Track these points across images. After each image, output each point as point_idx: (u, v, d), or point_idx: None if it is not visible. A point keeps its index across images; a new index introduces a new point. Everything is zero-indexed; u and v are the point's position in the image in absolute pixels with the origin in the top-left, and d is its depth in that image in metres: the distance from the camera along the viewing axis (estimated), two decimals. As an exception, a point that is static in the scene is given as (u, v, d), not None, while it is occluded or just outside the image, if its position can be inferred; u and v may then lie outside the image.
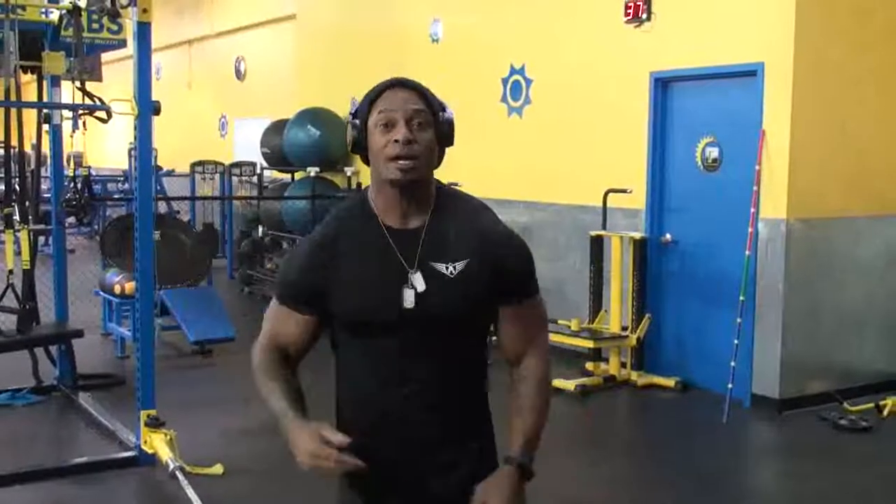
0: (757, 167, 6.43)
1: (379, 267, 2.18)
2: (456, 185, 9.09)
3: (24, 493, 4.88)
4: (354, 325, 2.22)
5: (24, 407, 6.43)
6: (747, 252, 6.40)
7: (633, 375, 7.20)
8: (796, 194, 6.41)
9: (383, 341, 2.20)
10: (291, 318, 2.25)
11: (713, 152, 6.94)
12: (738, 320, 6.36)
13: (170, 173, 14.47)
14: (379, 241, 2.19)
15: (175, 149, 14.92)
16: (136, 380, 5.27)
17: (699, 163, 7.04)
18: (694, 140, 7.07)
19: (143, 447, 5.16)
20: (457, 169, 9.15)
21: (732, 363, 6.33)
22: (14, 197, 6.39)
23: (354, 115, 2.22)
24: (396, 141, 2.13)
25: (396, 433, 2.20)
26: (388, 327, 2.18)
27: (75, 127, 5.65)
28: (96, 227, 15.23)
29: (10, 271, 6.29)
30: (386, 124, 2.15)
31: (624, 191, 7.30)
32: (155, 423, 5.06)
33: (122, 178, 17.05)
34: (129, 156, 15.95)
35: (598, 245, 7.38)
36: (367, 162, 2.22)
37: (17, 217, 6.24)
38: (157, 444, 4.93)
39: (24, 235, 6.12)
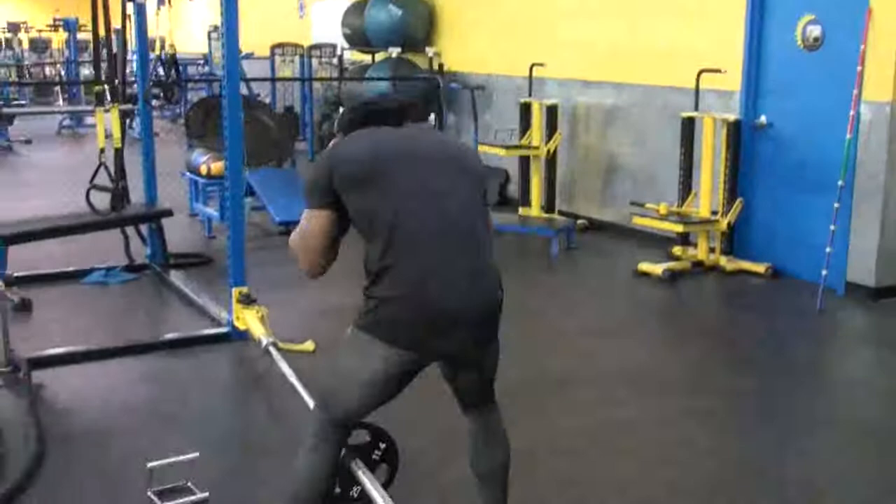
0: (862, 46, 6.12)
1: None
2: (541, 65, 8.90)
3: (123, 366, 5.01)
4: None
5: (118, 285, 6.57)
6: (848, 135, 6.15)
7: (722, 261, 7.06)
8: (903, 74, 6.11)
9: None
10: None
11: (815, 31, 6.62)
12: (836, 205, 6.15)
13: (249, 56, 14.38)
14: None
15: (254, 32, 14.80)
16: (227, 258, 5.33)
17: (799, 42, 6.72)
18: (794, 17, 6.73)
19: (236, 324, 5.24)
20: (542, 51, 8.95)
21: (828, 249, 6.15)
22: (104, 77, 6.37)
23: None
24: None
25: None
26: None
27: (161, 3, 5.58)
28: (178, 110, 15.34)
29: (102, 150, 6.34)
30: None
31: (718, 71, 7.05)
32: (247, 301, 5.12)
33: (202, 62, 17.09)
34: (209, 38, 15.95)
35: (689, 127, 7.16)
36: None
37: (107, 97, 6.24)
38: (250, 320, 4.99)
39: (114, 114, 6.13)
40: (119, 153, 6.26)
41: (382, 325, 2.58)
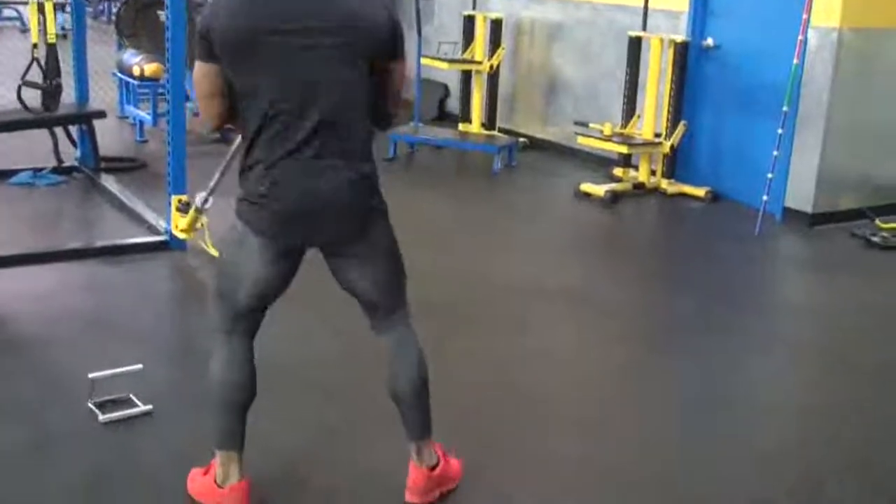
0: (813, -30, 6.09)
1: None
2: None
3: (56, 272, 4.82)
4: None
5: (47, 187, 6.32)
6: (795, 61, 6.14)
7: (663, 184, 7.08)
8: (852, 1, 6.10)
9: None
10: None
11: (767, -47, 6.56)
12: (780, 131, 6.17)
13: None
14: None
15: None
16: (161, 164, 5.15)
17: (751, -37, 6.67)
18: (747, -61, 6.68)
19: (174, 232, 5.09)
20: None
21: (770, 175, 6.19)
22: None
23: None
24: None
25: None
26: None
27: None
28: (101, 7, 14.78)
29: (35, 45, 6.02)
30: None
31: (668, -9, 6.98)
32: (186, 209, 4.96)
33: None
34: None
35: (635, 47, 7.09)
36: None
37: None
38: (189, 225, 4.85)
39: (49, 7, 5.82)
40: (53, 49, 5.96)
41: (250, 217, 2.71)
